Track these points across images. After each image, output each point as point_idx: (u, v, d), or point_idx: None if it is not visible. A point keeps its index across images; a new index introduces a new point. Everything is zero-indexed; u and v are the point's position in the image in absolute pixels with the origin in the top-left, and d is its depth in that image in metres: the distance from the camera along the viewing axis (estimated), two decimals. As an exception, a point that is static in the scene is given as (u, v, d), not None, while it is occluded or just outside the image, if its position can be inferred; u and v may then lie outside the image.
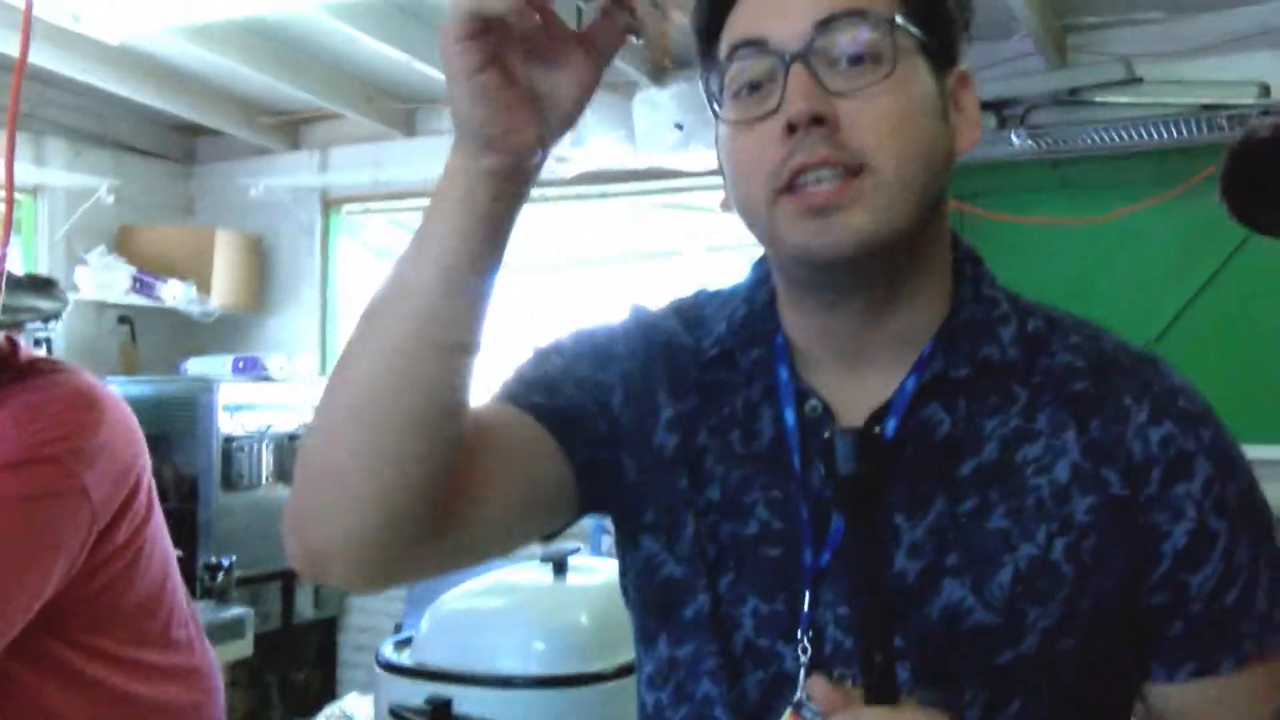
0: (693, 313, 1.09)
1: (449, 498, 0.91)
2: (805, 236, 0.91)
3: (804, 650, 0.94)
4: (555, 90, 0.86)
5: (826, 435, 0.85)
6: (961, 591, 0.92)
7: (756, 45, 0.92)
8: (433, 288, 0.85)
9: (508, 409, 1.01)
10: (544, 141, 0.86)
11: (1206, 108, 3.49)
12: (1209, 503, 0.93)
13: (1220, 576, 0.93)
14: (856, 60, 0.90)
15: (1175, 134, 3.58)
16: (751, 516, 0.99)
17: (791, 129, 0.89)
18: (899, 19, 0.91)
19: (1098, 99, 3.60)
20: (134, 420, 1.66)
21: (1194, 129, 3.55)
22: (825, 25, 0.89)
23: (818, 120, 0.88)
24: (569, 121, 0.87)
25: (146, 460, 1.67)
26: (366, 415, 0.86)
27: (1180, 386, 0.97)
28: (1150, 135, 3.61)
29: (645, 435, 1.04)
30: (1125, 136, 3.63)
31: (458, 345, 0.87)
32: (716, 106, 0.95)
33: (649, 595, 1.04)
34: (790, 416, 0.99)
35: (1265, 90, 3.44)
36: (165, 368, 4.87)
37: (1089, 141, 3.68)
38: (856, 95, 0.89)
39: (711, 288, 1.13)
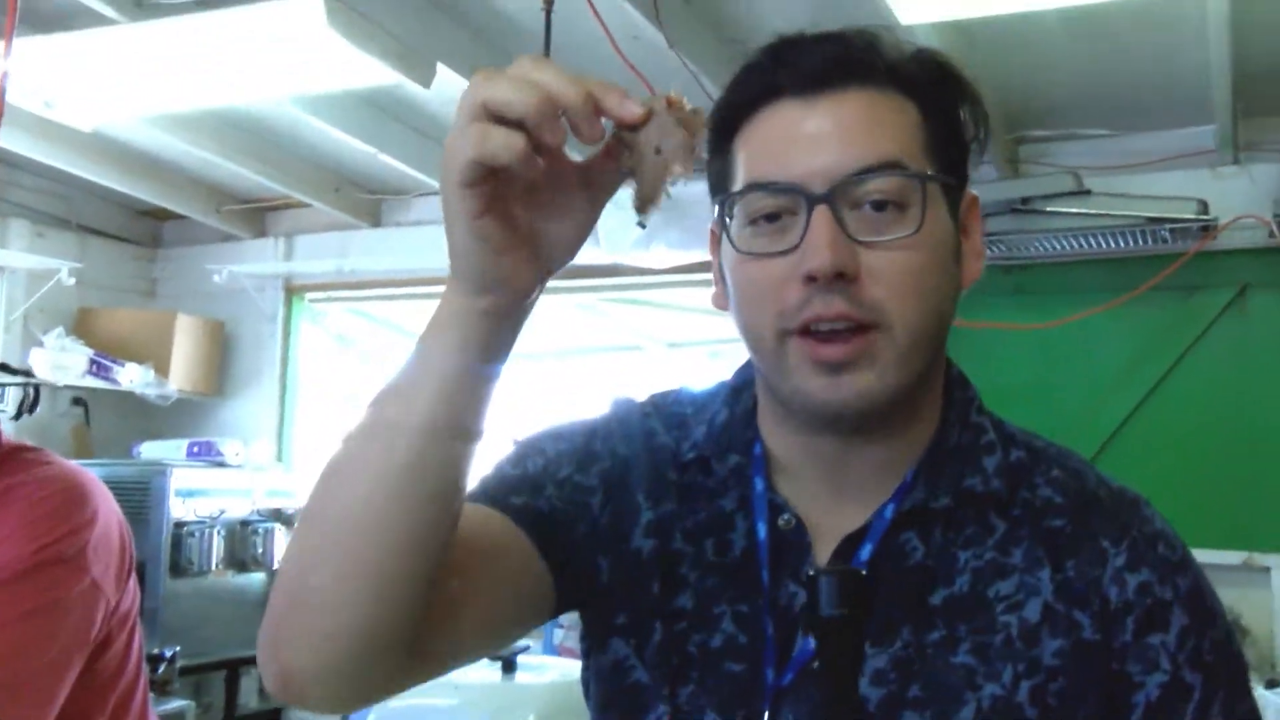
0: (673, 411, 1.07)
1: (431, 614, 0.87)
2: (813, 390, 0.90)
3: None
4: (554, 231, 0.82)
5: (811, 574, 0.81)
6: None
7: (781, 187, 0.89)
8: (426, 429, 0.81)
9: (487, 511, 0.98)
10: (542, 279, 0.83)
11: (1150, 220, 3.58)
12: (1184, 655, 0.90)
13: None
14: (880, 206, 0.88)
15: (1122, 244, 3.67)
16: (718, 629, 0.97)
17: (811, 278, 0.87)
18: (929, 172, 0.90)
19: (1048, 209, 3.67)
20: (114, 501, 1.63)
21: (1139, 239, 3.64)
22: (859, 176, 0.88)
23: (839, 275, 0.87)
24: (566, 259, 0.84)
25: (131, 539, 1.65)
26: (351, 540, 0.82)
27: (1160, 532, 0.95)
28: (1098, 244, 3.69)
29: (623, 537, 1.02)
30: (1075, 245, 3.71)
31: (453, 487, 0.84)
32: (728, 220, 0.93)
33: (613, 698, 1.02)
34: (763, 531, 0.97)
35: (1204, 207, 3.55)
36: (118, 451, 4.82)
37: (1040, 249, 3.75)
38: (879, 246, 0.88)
39: (694, 388, 1.11)
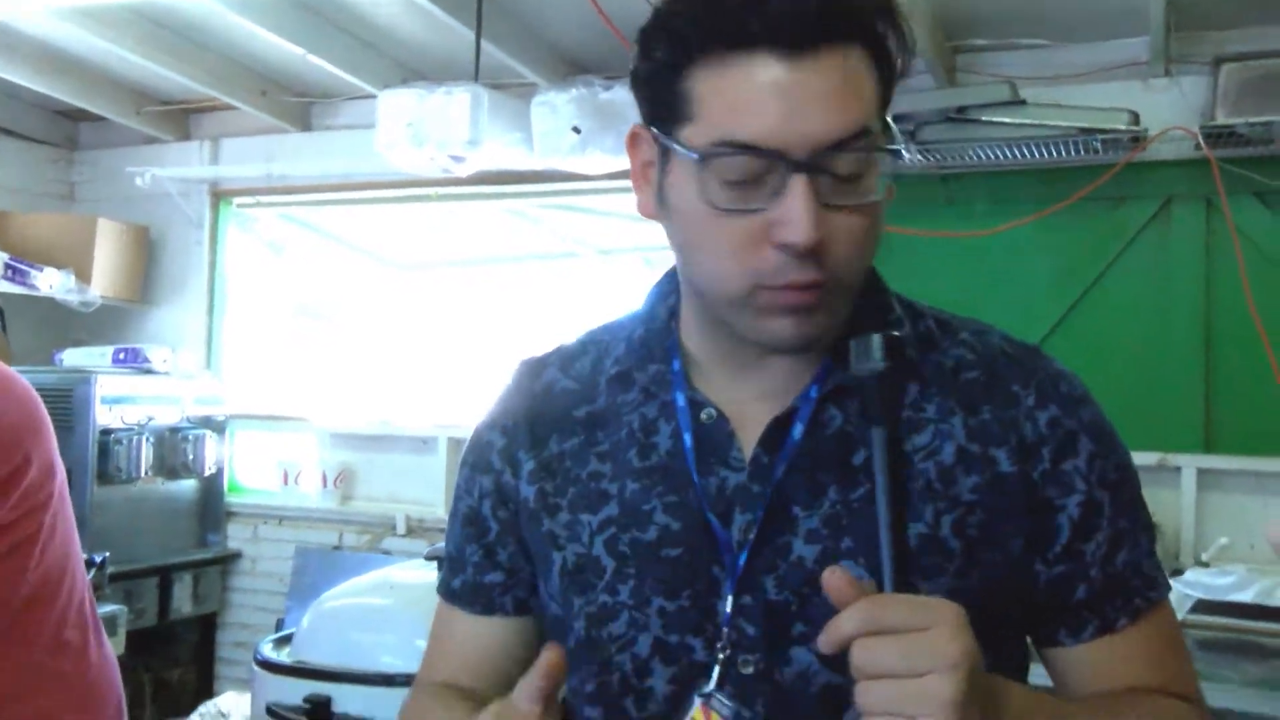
0: (575, 354, 1.17)
1: None
2: (776, 330, 0.97)
3: (723, 642, 1.00)
4: None
5: (851, 341, 0.96)
6: (858, 571, 0.96)
7: (763, 152, 0.91)
8: None
9: (469, 626, 1.17)
10: None
11: (1083, 130, 3.65)
12: (1094, 476, 1.02)
13: (1109, 542, 1.02)
14: (849, 175, 0.92)
15: (1054, 154, 3.73)
16: (650, 523, 1.04)
17: (789, 246, 0.91)
18: (885, 129, 0.96)
19: (984, 118, 3.71)
20: (26, 402, 1.60)
21: (1071, 150, 3.71)
22: (838, 145, 0.91)
23: (820, 246, 0.92)
24: None
25: (44, 443, 1.61)
26: None
27: (1060, 372, 1.06)
28: (1031, 154, 3.75)
29: (518, 506, 1.14)
30: (1009, 155, 3.77)
31: None
32: (691, 164, 0.94)
33: (550, 632, 1.14)
34: (687, 427, 1.05)
35: (1135, 118, 3.63)
36: (39, 358, 4.78)
37: (975, 158, 3.81)
38: (843, 211, 0.92)
39: (598, 325, 1.20)
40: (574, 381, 1.14)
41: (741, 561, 1.00)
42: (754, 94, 0.90)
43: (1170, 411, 3.66)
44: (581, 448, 1.10)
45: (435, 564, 2.33)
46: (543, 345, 1.22)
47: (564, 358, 1.18)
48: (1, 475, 1.52)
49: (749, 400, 1.05)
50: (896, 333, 0.99)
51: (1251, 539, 2.55)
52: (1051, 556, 1.02)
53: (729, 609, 1.00)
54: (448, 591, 1.20)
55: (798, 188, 0.90)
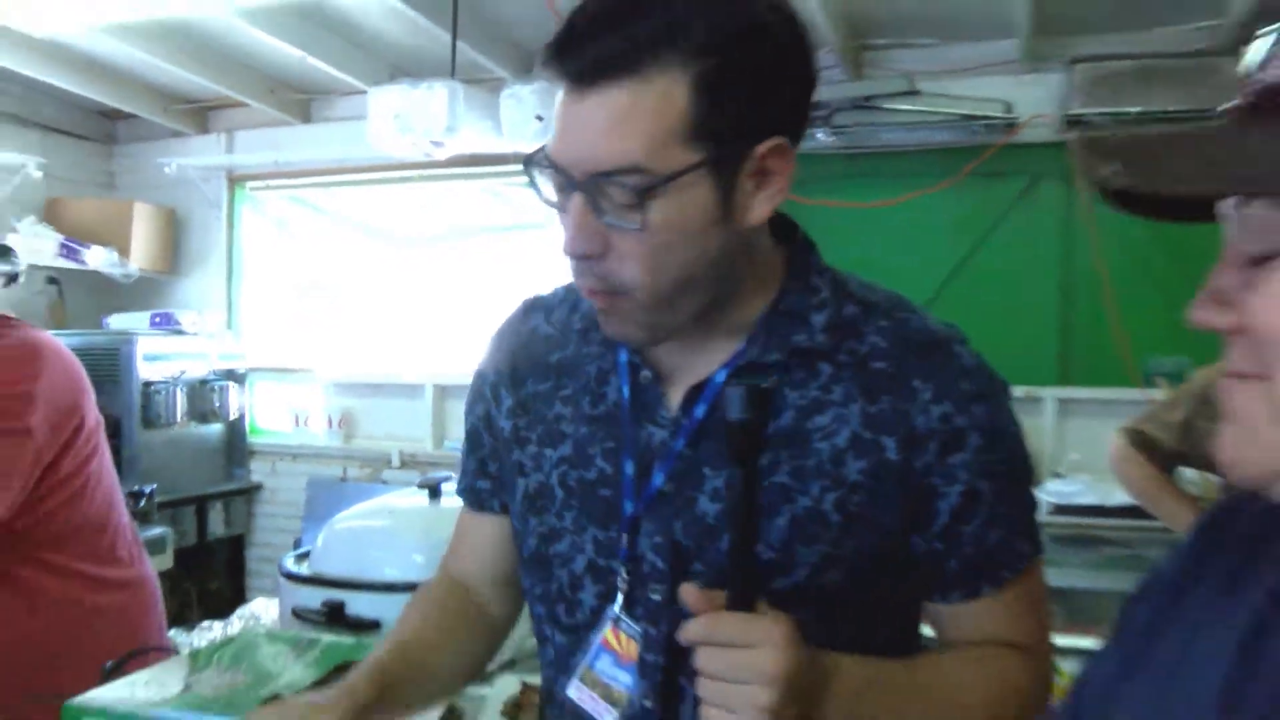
0: (558, 302, 1.14)
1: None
2: (602, 325, 0.99)
3: (626, 573, 1.02)
4: None
5: (724, 388, 0.96)
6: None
7: (553, 166, 0.91)
8: None
9: (469, 521, 1.23)
10: None
11: (966, 117, 3.88)
12: (978, 468, 0.98)
13: (985, 525, 0.99)
14: (627, 202, 0.88)
15: (943, 137, 3.95)
16: (593, 465, 1.04)
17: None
18: (679, 164, 0.87)
19: (885, 105, 3.92)
20: (77, 370, 1.72)
21: (959, 133, 3.93)
22: (602, 175, 0.88)
23: (586, 256, 0.92)
24: None
25: (90, 405, 1.73)
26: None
27: (965, 369, 1.00)
28: (925, 137, 3.96)
29: (500, 432, 1.14)
30: (906, 137, 3.98)
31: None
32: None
33: (520, 546, 1.16)
34: (625, 388, 1.04)
35: (1008, 107, 3.86)
36: (90, 323, 4.90)
37: (878, 140, 4.00)
38: (620, 231, 0.90)
39: None
40: (553, 328, 1.12)
41: (632, 510, 1.01)
42: (560, 116, 0.90)
43: (1034, 352, 3.91)
44: (550, 391, 1.09)
45: (427, 492, 2.38)
46: (546, 287, 1.19)
47: (550, 304, 1.15)
48: (67, 432, 1.67)
49: (681, 367, 1.02)
50: (765, 384, 0.89)
51: (1098, 454, 2.81)
52: (929, 535, 0.99)
53: (644, 546, 1.00)
54: (458, 491, 1.24)
55: (574, 203, 0.90)
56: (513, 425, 1.11)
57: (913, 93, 3.91)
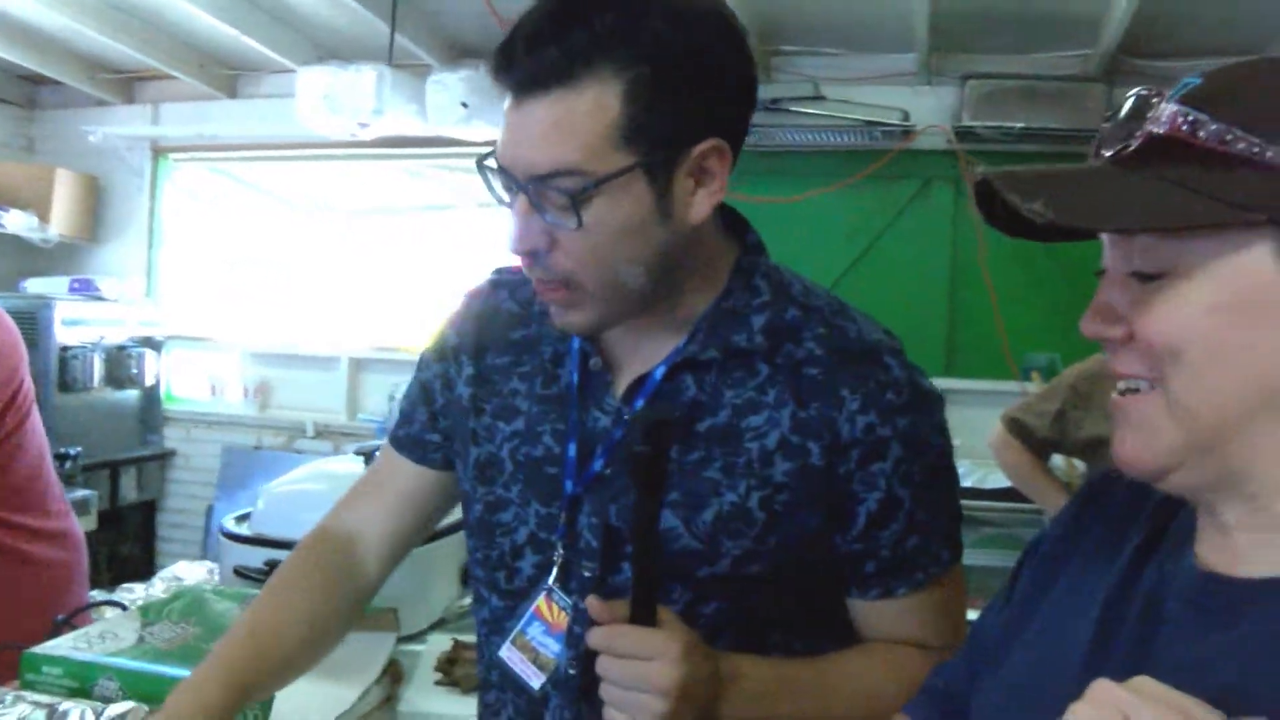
0: (526, 281, 1.09)
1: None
2: (553, 317, 1.01)
3: (570, 548, 1.04)
4: None
5: (627, 418, 0.99)
6: (675, 521, 1.00)
7: (501, 168, 0.95)
8: None
9: (402, 470, 1.20)
10: None
11: (867, 123, 4.07)
12: (897, 478, 0.99)
13: (903, 530, 1.01)
14: (565, 203, 0.91)
15: (846, 140, 4.14)
16: (540, 442, 1.06)
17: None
18: (616, 165, 0.90)
19: (792, 108, 4.09)
20: (13, 335, 1.75)
21: (860, 137, 4.12)
22: (541, 178, 0.91)
23: (530, 252, 0.95)
24: None
25: (25, 368, 1.77)
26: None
27: (893, 380, 1.00)
28: (829, 139, 4.15)
29: (453, 398, 1.15)
30: (811, 138, 4.16)
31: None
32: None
33: (461, 500, 1.18)
34: (575, 372, 1.05)
35: (906, 115, 4.08)
36: (8, 286, 4.85)
37: (786, 140, 4.17)
38: (562, 229, 0.93)
39: None
40: (517, 305, 1.13)
41: (572, 489, 1.03)
42: (505, 122, 0.94)
43: (922, 343, 3.99)
44: (509, 366, 1.10)
45: (363, 459, 2.47)
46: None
47: (515, 281, 1.15)
48: (10, 390, 1.71)
49: (629, 357, 1.04)
50: (671, 417, 0.92)
51: (978, 441, 2.97)
52: (849, 537, 1.01)
53: (582, 524, 1.03)
54: (393, 439, 1.21)
55: (518, 203, 0.94)
56: (471, 394, 1.12)
57: (818, 98, 4.08)
